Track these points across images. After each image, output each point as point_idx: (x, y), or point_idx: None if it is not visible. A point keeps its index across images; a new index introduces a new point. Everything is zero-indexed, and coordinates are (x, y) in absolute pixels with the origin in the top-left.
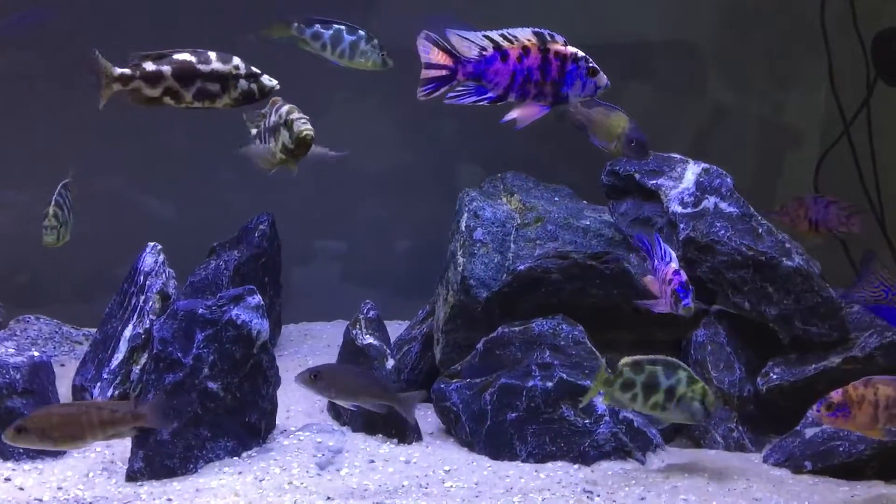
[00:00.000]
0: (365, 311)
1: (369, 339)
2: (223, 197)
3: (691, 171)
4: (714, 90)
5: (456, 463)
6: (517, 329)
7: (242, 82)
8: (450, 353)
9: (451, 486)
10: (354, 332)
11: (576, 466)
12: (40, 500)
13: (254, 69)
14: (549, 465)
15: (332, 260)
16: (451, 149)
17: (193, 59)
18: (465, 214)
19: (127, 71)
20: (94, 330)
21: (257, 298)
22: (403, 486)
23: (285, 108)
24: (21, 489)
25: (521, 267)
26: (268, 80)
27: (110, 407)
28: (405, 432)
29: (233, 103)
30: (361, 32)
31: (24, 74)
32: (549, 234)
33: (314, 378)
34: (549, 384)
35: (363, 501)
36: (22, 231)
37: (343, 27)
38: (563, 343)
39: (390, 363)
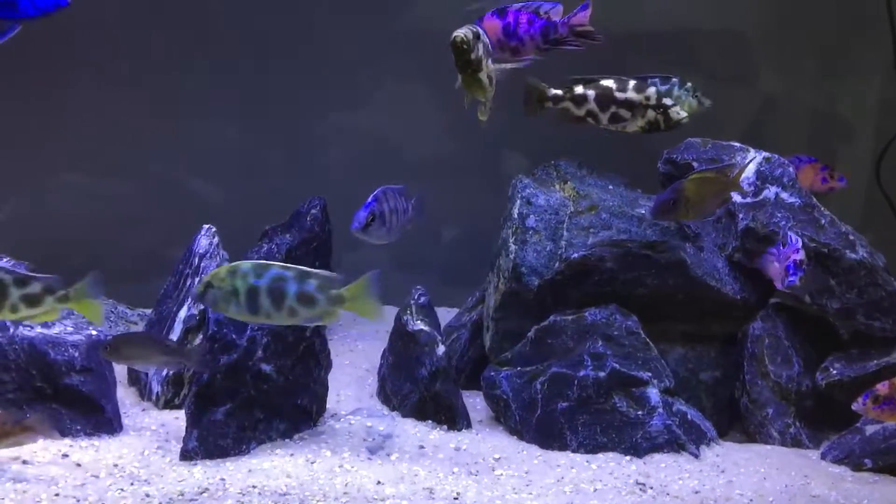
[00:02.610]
0: (416, 297)
1: (420, 325)
2: (273, 180)
3: (752, 161)
4: (765, 80)
5: (506, 451)
6: (569, 318)
7: (650, 112)
8: (499, 341)
9: (502, 474)
10: (405, 317)
11: (627, 458)
12: (97, 477)
13: (667, 101)
14: (601, 456)
15: (380, 246)
16: (500, 136)
17: (614, 85)
18: (518, 201)
19: (559, 92)
20: (148, 310)
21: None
22: (454, 472)
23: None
24: (78, 465)
25: (575, 255)
26: (676, 113)
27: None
28: (455, 419)
29: (640, 130)
30: (674, 80)
31: (91, 62)
32: (602, 223)
33: (106, 350)
34: (602, 374)
35: (413, 486)
36: (78, 212)
37: (657, 79)
38: (616, 333)
39: (441, 349)
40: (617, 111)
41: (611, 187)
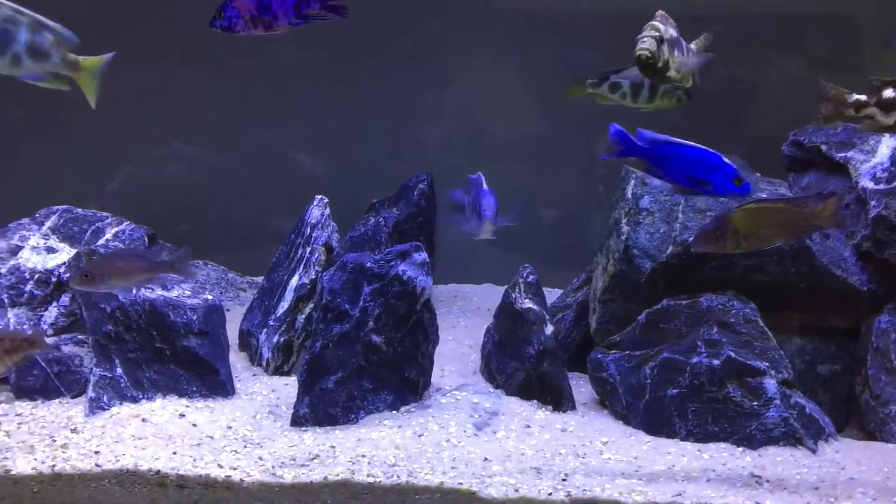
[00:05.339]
0: (524, 275)
1: (528, 303)
2: (376, 154)
3: (886, 145)
4: (871, 66)
5: (613, 435)
6: (684, 303)
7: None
8: (606, 324)
9: (609, 458)
10: (513, 295)
11: (740, 450)
12: (211, 438)
13: None
14: (712, 445)
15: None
16: (601, 117)
17: None
18: (632, 181)
19: (862, 97)
20: (256, 278)
21: (423, 255)
22: (560, 453)
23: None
24: (194, 425)
25: (691, 239)
26: None
27: (9, 337)
28: (560, 399)
29: None
30: None
31: (203, 36)
32: (721, 206)
33: (85, 278)
34: (716, 362)
35: (521, 465)
36: (188, 180)
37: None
38: (732, 320)
39: (549, 329)
40: None
41: None
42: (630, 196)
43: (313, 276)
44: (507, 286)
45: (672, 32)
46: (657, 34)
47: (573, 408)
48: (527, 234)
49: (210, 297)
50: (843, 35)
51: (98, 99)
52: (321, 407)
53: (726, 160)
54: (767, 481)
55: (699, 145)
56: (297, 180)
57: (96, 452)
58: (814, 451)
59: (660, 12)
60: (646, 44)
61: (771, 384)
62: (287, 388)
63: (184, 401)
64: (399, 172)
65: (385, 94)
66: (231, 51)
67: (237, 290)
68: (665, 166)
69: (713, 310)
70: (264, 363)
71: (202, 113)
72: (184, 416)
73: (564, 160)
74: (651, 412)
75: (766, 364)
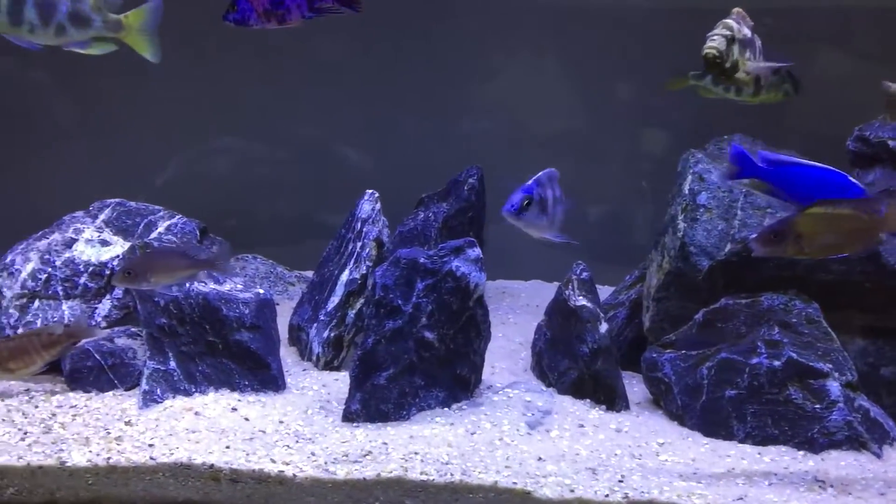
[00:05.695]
0: (578, 272)
1: (582, 301)
2: (423, 148)
3: None
4: None
5: (669, 436)
6: (743, 302)
7: None
8: (660, 322)
9: (667, 460)
10: (567, 292)
11: (801, 453)
12: (263, 432)
13: None
14: (772, 448)
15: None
16: (650, 114)
17: None
18: (689, 177)
19: None
20: (305, 272)
21: (477, 251)
22: (616, 454)
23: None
24: (246, 420)
25: (751, 239)
26: None
27: (48, 331)
28: (614, 399)
29: None
30: None
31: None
32: (781, 203)
33: (127, 275)
34: (777, 363)
35: (575, 465)
36: (236, 175)
37: None
38: (794, 320)
39: (604, 327)
40: None
41: None
42: (687, 192)
43: (364, 271)
44: (559, 283)
45: (746, 32)
46: (729, 33)
47: (627, 407)
48: (574, 231)
49: (261, 291)
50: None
51: (159, 54)
52: (373, 403)
53: (853, 180)
54: (831, 486)
55: (823, 165)
56: (344, 175)
57: (150, 445)
58: (878, 456)
59: (736, 10)
60: (715, 42)
61: (834, 387)
62: (337, 383)
63: (236, 395)
64: (447, 167)
65: (434, 87)
66: (279, 46)
67: (286, 284)
68: (788, 188)
69: (774, 309)
70: (314, 358)
71: (250, 108)
72: (236, 409)
73: (610, 157)
74: (708, 413)
75: (830, 366)
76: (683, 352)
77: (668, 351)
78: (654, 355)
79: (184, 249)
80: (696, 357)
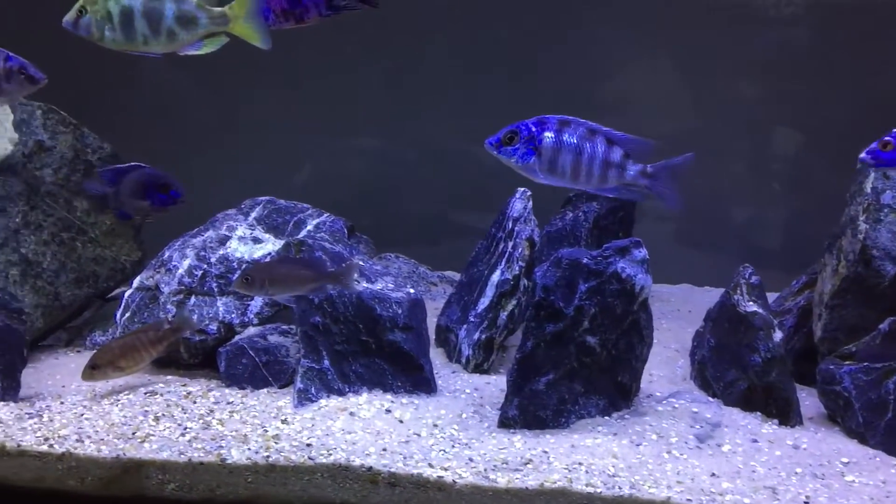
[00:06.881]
0: (747, 276)
1: (753, 307)
2: None
3: None
4: None
5: (853, 455)
6: None
7: None
8: (833, 332)
9: (854, 482)
10: (736, 297)
11: None
12: (419, 435)
13: None
14: None
15: (664, 220)
16: (790, 113)
17: None
18: (873, 174)
19: None
20: (447, 272)
21: (643, 252)
22: (796, 473)
23: None
24: (401, 422)
25: None
26: None
27: (154, 328)
28: (788, 413)
29: None
30: None
31: (380, 39)
32: None
33: (245, 282)
34: None
35: (753, 484)
36: (371, 175)
37: None
38: None
39: (778, 335)
40: None
41: None
42: (869, 191)
43: (516, 272)
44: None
45: None
46: None
47: (801, 423)
48: (711, 232)
49: (412, 291)
50: None
51: (269, 42)
52: (531, 409)
53: None
54: None
55: None
56: (479, 174)
57: (308, 445)
58: None
59: None
60: None
61: None
62: (489, 386)
63: (388, 396)
64: None
65: (572, 85)
66: (410, 47)
67: (428, 284)
68: None
69: None
70: (464, 360)
71: (385, 108)
72: (390, 411)
73: (750, 158)
74: (895, 432)
75: None
76: (866, 364)
77: (848, 363)
78: (832, 367)
79: (309, 261)
80: (881, 370)
